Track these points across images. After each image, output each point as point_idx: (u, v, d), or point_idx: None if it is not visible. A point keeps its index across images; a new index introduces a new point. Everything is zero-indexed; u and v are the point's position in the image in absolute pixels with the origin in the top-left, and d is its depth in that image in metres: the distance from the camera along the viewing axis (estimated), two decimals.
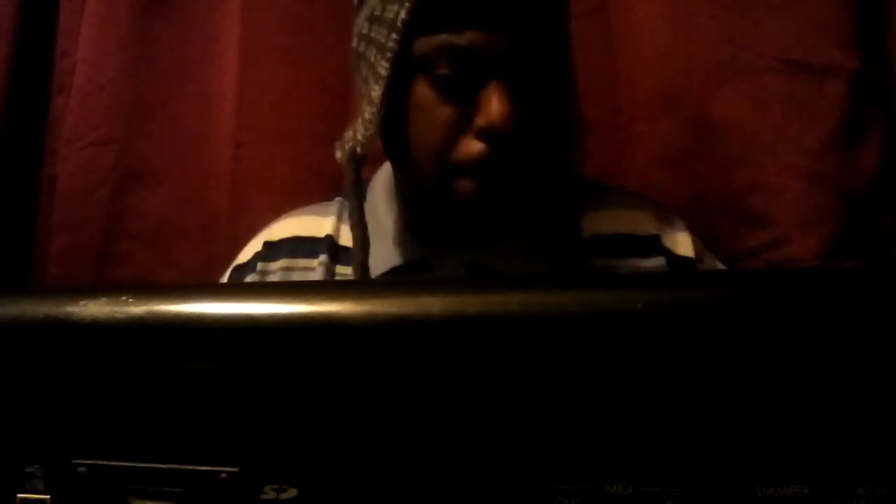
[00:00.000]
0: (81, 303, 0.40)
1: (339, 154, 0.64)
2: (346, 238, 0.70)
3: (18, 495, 0.40)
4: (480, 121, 0.58)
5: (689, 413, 0.36)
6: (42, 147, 1.00)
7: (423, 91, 0.59)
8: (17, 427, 0.40)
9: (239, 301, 0.40)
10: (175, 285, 0.71)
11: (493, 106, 0.57)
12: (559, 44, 0.63)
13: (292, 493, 0.38)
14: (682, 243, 0.68)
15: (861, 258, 0.77)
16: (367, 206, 0.70)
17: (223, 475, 0.38)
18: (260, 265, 0.71)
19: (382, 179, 0.72)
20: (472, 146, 0.58)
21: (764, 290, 0.38)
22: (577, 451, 0.37)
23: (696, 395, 0.37)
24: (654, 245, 0.67)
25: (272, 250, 0.72)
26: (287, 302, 0.39)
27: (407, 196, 0.69)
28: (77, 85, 0.99)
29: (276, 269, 0.70)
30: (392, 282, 0.62)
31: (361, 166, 0.64)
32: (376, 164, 0.75)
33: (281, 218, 0.75)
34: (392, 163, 0.68)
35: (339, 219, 0.71)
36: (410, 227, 0.68)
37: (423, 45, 0.58)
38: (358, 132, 0.62)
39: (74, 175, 0.97)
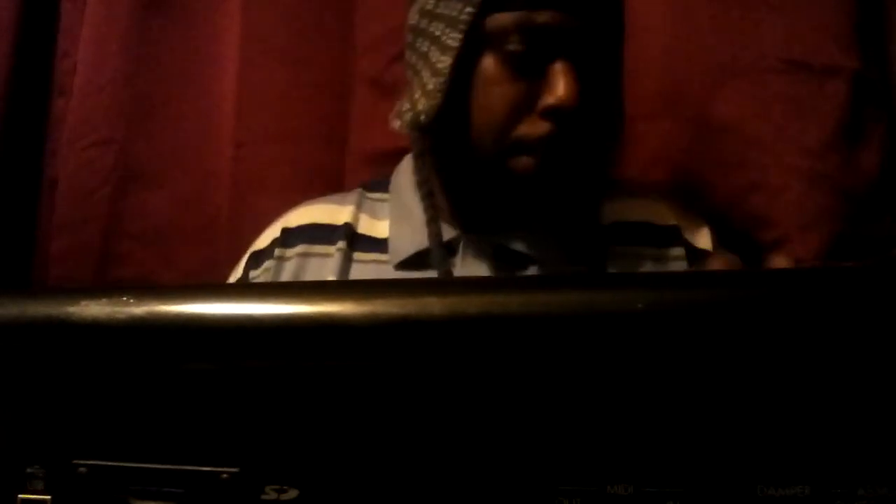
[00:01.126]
0: (82, 303, 0.40)
1: (397, 123, 0.66)
2: (364, 226, 0.71)
3: (19, 496, 0.40)
4: (549, 98, 0.59)
5: (689, 413, 0.36)
6: (43, 148, 1.00)
7: (491, 66, 0.61)
8: (18, 427, 0.40)
9: (240, 301, 0.40)
10: (175, 286, 0.71)
11: (562, 84, 0.59)
12: (619, 35, 0.66)
13: (293, 493, 0.38)
14: (702, 236, 0.69)
15: (862, 258, 0.77)
16: (392, 195, 0.71)
17: (224, 476, 0.38)
18: (277, 251, 0.72)
19: (405, 171, 0.73)
20: (539, 125, 0.60)
21: (764, 290, 0.38)
22: (578, 452, 0.37)
23: (696, 396, 0.37)
24: (674, 235, 0.67)
25: (290, 236, 0.72)
26: (288, 302, 0.39)
27: (445, 175, 0.68)
28: (77, 85, 0.99)
29: (294, 255, 0.71)
30: (393, 282, 0.62)
31: (426, 134, 0.65)
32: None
33: (299, 206, 0.75)
34: (439, 137, 0.68)
35: (359, 208, 0.72)
36: (437, 211, 0.68)
37: (498, 20, 0.60)
38: (419, 103, 0.63)
39: (75, 175, 0.97)
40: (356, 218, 0.71)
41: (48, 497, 0.39)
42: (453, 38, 0.61)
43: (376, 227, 0.70)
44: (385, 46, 0.93)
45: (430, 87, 0.62)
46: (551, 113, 0.60)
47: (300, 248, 0.71)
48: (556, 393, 0.37)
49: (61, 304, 0.40)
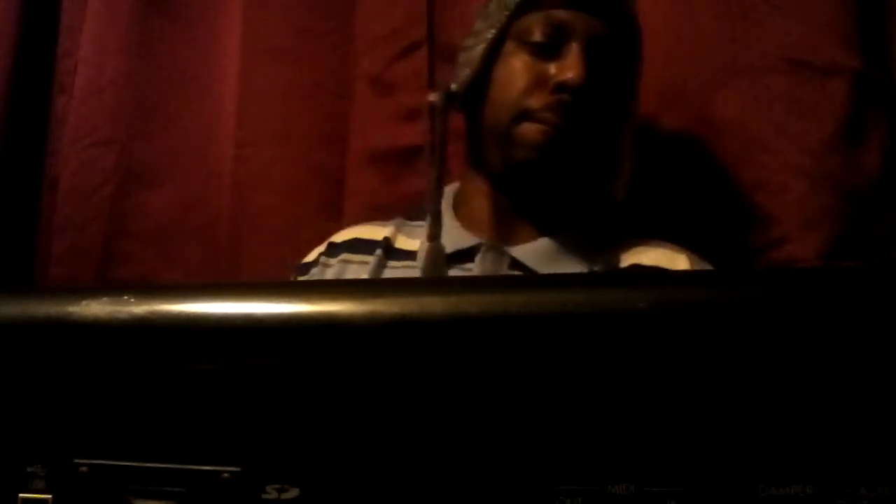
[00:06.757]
0: (83, 302, 0.40)
1: (432, 97, 0.74)
2: (400, 243, 0.77)
3: (20, 495, 0.40)
4: (558, 75, 0.69)
5: (691, 412, 0.36)
6: (44, 147, 1.01)
7: (514, 53, 0.72)
8: (19, 427, 0.40)
9: (241, 301, 0.40)
10: (177, 285, 0.71)
11: (570, 62, 0.69)
12: (634, 44, 0.75)
13: (294, 492, 0.38)
14: None
15: (863, 258, 0.77)
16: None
17: (225, 475, 0.38)
18: (322, 259, 0.80)
19: (446, 195, 0.79)
20: (547, 96, 0.70)
21: (766, 289, 0.38)
22: (578, 451, 0.37)
23: (697, 395, 0.37)
24: None
25: (334, 248, 0.80)
26: (289, 302, 0.39)
27: (475, 174, 0.77)
28: (79, 85, 0.99)
29: (336, 262, 0.78)
30: (393, 281, 0.63)
31: (452, 102, 0.75)
32: None
33: (346, 228, 0.82)
34: (468, 120, 0.78)
35: (398, 229, 0.79)
36: (464, 221, 0.76)
37: (526, 20, 0.72)
38: (454, 84, 0.75)
39: (76, 175, 0.97)
40: (394, 236, 0.78)
41: (49, 496, 0.39)
42: (490, 32, 0.73)
43: (411, 244, 0.77)
44: (385, 46, 0.93)
45: (467, 69, 0.74)
46: (560, 88, 0.69)
47: (343, 256, 0.78)
48: (556, 392, 0.37)
49: (62, 304, 0.40)
